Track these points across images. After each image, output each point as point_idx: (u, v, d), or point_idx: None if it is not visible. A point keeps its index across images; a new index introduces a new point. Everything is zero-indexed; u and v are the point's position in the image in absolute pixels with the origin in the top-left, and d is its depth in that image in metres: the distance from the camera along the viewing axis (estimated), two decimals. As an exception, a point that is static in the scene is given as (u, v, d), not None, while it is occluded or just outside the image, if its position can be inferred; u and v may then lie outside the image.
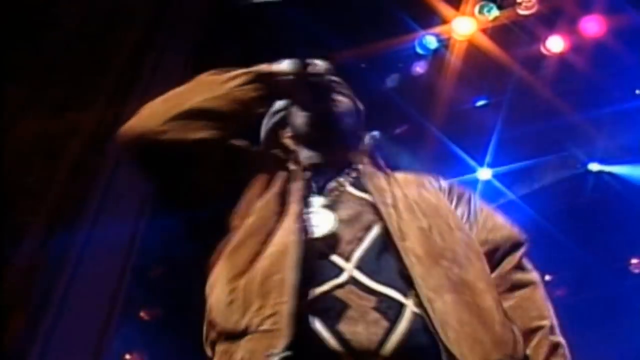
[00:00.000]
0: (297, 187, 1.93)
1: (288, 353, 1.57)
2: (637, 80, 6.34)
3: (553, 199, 6.94)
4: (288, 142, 2.17)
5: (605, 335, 6.78)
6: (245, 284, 1.72)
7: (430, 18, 6.15)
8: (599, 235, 7.08)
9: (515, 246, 2.06)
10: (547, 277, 7.17)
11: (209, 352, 1.79)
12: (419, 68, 6.45)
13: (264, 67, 2.03)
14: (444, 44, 6.25)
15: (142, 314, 6.94)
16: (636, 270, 7.34)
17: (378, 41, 6.02)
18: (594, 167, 6.89)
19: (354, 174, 2.06)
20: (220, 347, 1.72)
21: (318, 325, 1.65)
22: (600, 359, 6.50)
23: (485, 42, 6.20)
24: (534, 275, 2.05)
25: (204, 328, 1.81)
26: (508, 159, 6.74)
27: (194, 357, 1.87)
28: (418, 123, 6.64)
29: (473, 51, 6.23)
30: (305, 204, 1.87)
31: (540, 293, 2.00)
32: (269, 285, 1.68)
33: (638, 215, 6.91)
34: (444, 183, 2.19)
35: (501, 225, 2.10)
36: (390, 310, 1.67)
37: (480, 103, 6.67)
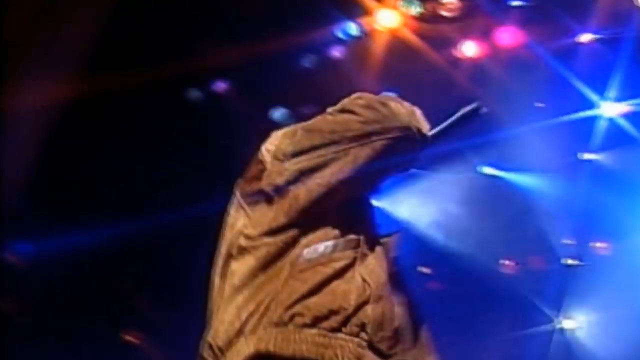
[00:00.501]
0: None
1: None
2: (540, 93, 6.63)
3: (442, 197, 7.18)
4: None
5: (473, 330, 7.13)
6: None
7: (355, 8, 6.17)
8: (480, 234, 7.39)
9: None
10: (425, 270, 7.44)
11: None
12: (337, 52, 6.45)
13: None
14: (366, 33, 6.29)
15: None
16: (506, 271, 7.73)
17: (302, 23, 6.01)
18: (487, 170, 7.18)
19: None
20: None
21: None
22: (469, 353, 6.87)
23: (405, 37, 6.28)
24: None
25: None
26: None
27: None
28: (328, 105, 6.65)
29: (392, 44, 6.30)
30: None
31: None
32: None
33: (516, 219, 7.29)
34: None
35: None
36: None
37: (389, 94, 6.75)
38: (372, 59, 6.35)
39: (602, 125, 6.81)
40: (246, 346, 1.67)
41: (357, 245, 1.79)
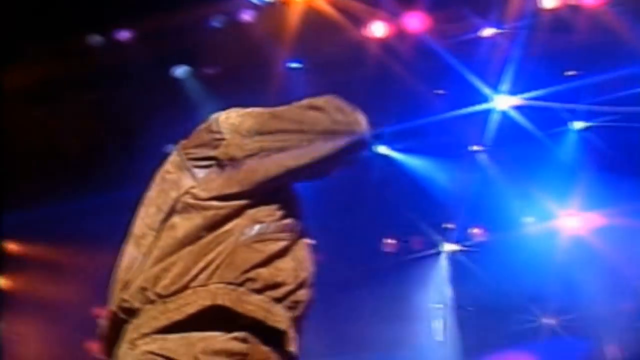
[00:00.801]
0: None
1: None
2: (440, 79, 6.81)
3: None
4: None
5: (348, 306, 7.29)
6: None
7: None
8: (366, 212, 7.56)
9: None
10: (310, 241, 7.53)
11: None
12: (247, 15, 6.38)
13: None
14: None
15: None
16: (388, 249, 7.94)
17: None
18: (381, 149, 7.33)
19: None
20: None
21: None
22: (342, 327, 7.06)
23: (319, 9, 6.29)
24: None
25: None
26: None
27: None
28: (232, 68, 6.61)
29: (305, 14, 6.29)
30: None
31: None
32: None
33: (403, 200, 7.50)
34: None
35: None
36: None
37: (293, 65, 6.77)
38: (283, 26, 6.31)
39: (494, 118, 7.07)
40: (200, 298, 1.82)
41: (295, 230, 1.99)
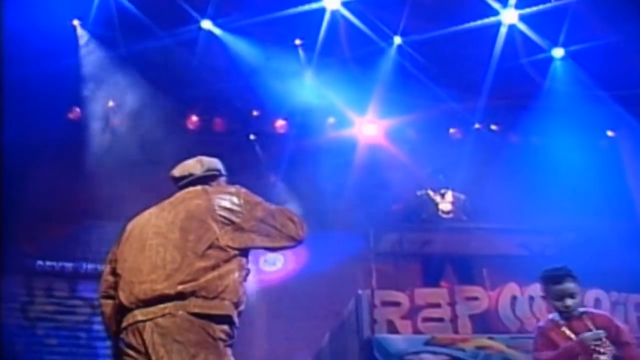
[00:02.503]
0: None
1: None
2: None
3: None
4: None
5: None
6: None
7: None
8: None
9: None
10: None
11: None
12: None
13: None
14: None
15: None
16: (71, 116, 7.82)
17: None
18: (205, 24, 7.11)
19: None
20: None
21: None
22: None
23: None
24: None
25: None
26: None
27: None
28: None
29: None
30: None
31: None
32: None
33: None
34: None
35: None
36: None
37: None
38: None
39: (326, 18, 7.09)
40: (225, 307, 2.87)
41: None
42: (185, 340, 2.65)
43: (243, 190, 3.09)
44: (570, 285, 3.65)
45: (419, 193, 6.34)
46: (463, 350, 4.83)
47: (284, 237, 3.05)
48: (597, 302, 5.26)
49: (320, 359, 6.51)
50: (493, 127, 8.51)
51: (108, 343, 3.05)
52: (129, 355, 2.73)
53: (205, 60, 7.20)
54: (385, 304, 5.35)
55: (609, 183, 7.35)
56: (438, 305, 5.38)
